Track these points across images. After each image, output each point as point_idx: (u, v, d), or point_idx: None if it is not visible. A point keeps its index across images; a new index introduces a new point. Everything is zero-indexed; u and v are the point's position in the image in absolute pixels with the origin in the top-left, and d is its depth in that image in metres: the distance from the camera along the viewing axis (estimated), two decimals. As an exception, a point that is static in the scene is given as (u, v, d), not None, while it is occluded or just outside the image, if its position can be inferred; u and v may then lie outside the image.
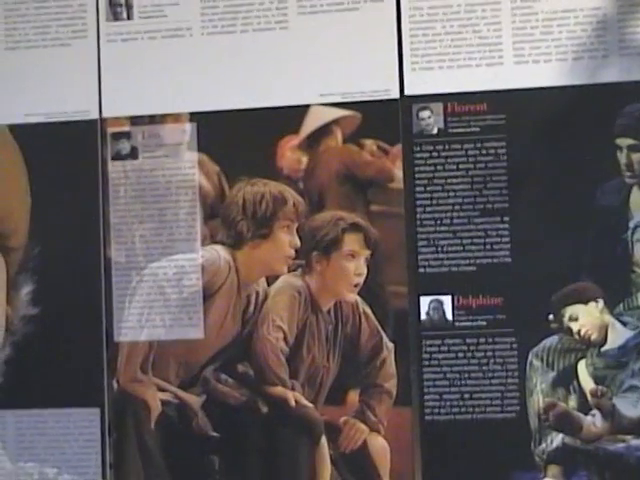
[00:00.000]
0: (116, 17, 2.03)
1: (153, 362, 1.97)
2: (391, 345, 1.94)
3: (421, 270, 1.92)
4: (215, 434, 1.96)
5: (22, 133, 2.00)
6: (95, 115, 2.02)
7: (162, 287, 1.98)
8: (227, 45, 1.99)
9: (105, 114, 2.02)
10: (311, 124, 1.98)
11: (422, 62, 1.94)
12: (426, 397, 1.91)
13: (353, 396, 1.95)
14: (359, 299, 1.95)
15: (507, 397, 1.89)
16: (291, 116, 1.97)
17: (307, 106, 1.97)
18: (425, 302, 1.91)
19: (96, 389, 1.98)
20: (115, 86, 2.02)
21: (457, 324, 1.91)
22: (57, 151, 2.01)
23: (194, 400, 1.97)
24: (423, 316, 1.91)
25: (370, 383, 1.94)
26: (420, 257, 1.92)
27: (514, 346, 1.89)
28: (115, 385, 1.98)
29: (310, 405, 1.95)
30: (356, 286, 1.95)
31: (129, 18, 2.02)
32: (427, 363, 1.91)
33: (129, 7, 2.02)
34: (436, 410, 1.91)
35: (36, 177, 1.98)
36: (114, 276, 1.99)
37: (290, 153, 1.98)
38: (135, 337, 1.98)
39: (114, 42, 2.02)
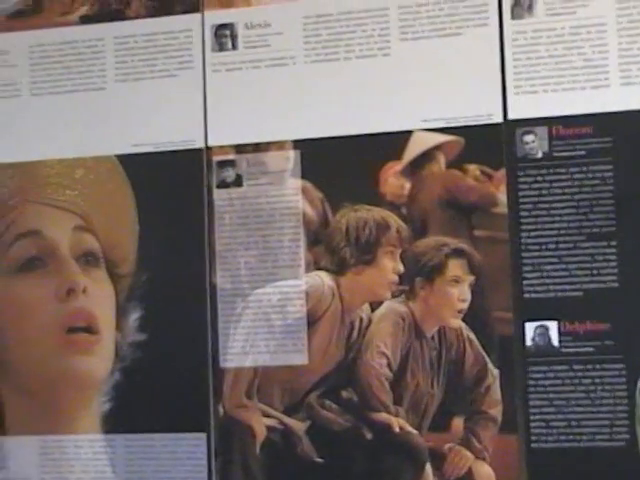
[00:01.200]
0: (221, 47, 2.06)
1: (258, 388, 1.99)
2: (496, 371, 1.91)
3: (526, 295, 1.90)
4: (320, 460, 1.96)
5: (130, 163, 2.06)
6: (201, 144, 2.05)
7: (267, 313, 2.00)
8: (330, 73, 2.01)
9: (210, 143, 2.05)
10: (414, 150, 1.98)
11: (526, 86, 1.92)
12: (532, 424, 1.88)
13: (458, 423, 1.94)
14: (463, 325, 1.94)
15: (616, 425, 1.85)
16: (394, 142, 1.97)
17: (410, 132, 1.97)
18: (531, 328, 1.89)
19: (202, 414, 2.00)
20: (220, 115, 2.05)
21: (563, 350, 1.88)
22: (164, 180, 2.05)
23: (299, 426, 1.97)
24: (528, 342, 1.89)
25: (475, 410, 1.92)
26: (525, 282, 1.90)
27: (623, 373, 1.85)
28: (221, 410, 2.00)
29: (414, 431, 1.94)
30: (460, 312, 1.93)
31: (234, 48, 2.06)
32: (533, 390, 1.88)
33: (234, 37, 2.06)
34: (542, 437, 1.88)
35: (143, 206, 2.04)
36: (219, 302, 2.02)
37: (393, 179, 1.98)
38: (240, 363, 2.00)
39: (219, 72, 2.06)
